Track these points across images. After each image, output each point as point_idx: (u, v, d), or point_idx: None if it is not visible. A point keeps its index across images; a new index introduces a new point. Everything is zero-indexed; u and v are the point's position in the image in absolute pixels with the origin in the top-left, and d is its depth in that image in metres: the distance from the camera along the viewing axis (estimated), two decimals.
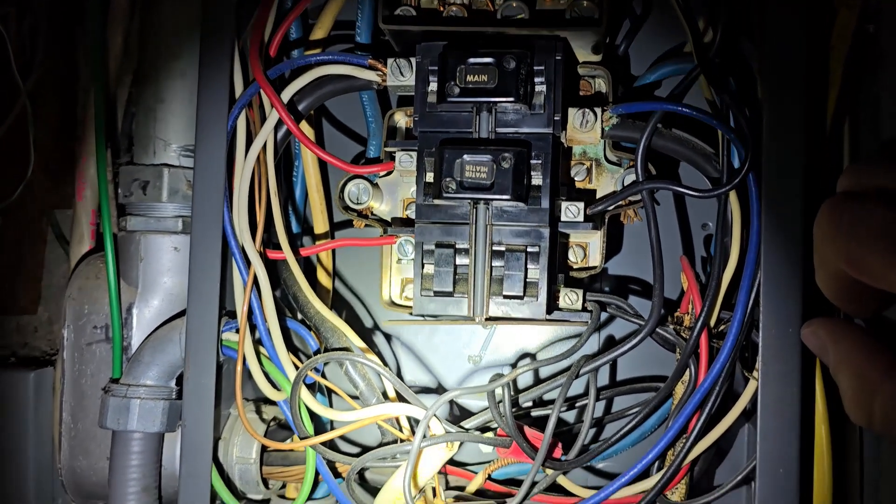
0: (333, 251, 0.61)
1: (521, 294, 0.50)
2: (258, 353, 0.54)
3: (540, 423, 0.51)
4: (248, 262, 0.53)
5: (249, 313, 0.53)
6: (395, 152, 0.54)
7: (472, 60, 0.49)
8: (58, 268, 0.73)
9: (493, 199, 0.49)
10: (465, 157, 0.49)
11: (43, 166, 0.70)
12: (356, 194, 0.56)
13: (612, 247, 0.58)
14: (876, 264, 0.31)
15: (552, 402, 0.54)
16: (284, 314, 0.56)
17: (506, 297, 0.50)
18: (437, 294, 0.51)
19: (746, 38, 0.52)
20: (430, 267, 0.51)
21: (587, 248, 0.55)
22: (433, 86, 0.51)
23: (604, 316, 0.54)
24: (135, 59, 0.65)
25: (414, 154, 0.53)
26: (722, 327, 0.51)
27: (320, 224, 0.60)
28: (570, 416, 0.60)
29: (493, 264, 0.50)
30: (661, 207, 0.59)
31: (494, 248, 0.50)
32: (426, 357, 0.62)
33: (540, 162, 0.50)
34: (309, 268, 0.62)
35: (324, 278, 0.61)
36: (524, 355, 0.61)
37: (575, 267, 0.55)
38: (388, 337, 0.62)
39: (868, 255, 0.32)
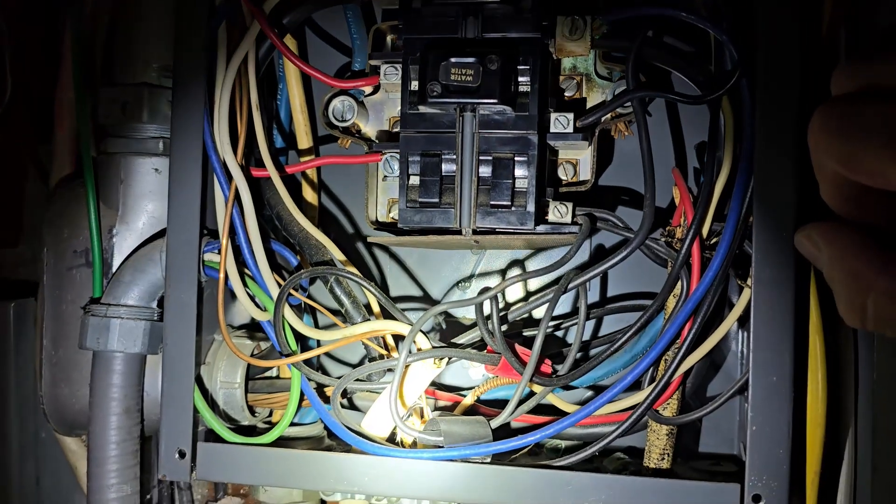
0: (319, 169, 0.60)
1: (510, 203, 0.48)
2: (242, 274, 0.53)
3: (530, 344, 0.50)
4: (229, 178, 0.52)
5: (232, 232, 0.52)
6: (380, 65, 0.53)
7: None
8: (40, 205, 0.72)
9: (479, 103, 0.48)
10: (450, 59, 0.47)
11: (23, 101, 0.68)
12: (341, 111, 0.54)
13: (603, 162, 0.57)
14: (871, 161, 0.30)
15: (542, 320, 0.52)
16: (269, 236, 0.55)
17: (493, 206, 0.49)
18: (422, 205, 0.49)
19: None
20: (415, 178, 0.50)
21: (577, 165, 0.54)
22: None
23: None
24: None
25: (399, 67, 0.52)
26: (714, 239, 0.50)
27: (305, 142, 0.59)
28: (561, 338, 0.59)
29: (480, 174, 0.49)
30: (653, 121, 0.57)
31: (481, 157, 0.49)
32: (415, 276, 0.61)
33: (528, 67, 0.48)
34: (294, 187, 0.60)
35: (309, 196, 0.59)
36: (514, 263, 0.59)
37: (565, 183, 0.54)
38: (375, 258, 0.61)
39: (862, 153, 0.31)
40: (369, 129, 0.55)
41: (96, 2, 0.62)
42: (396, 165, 0.53)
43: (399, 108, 0.54)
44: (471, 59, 0.47)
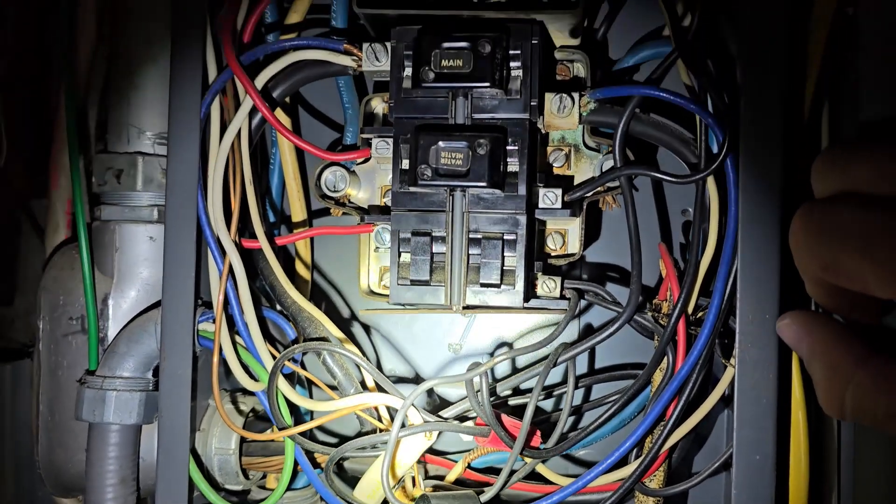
0: (312, 239, 0.60)
1: (499, 282, 0.49)
2: (235, 344, 0.54)
3: (519, 412, 0.51)
4: (223, 252, 0.53)
5: (225, 303, 0.53)
6: (371, 139, 0.54)
7: (446, 45, 0.48)
8: (34, 258, 0.72)
9: (469, 187, 0.48)
10: (440, 143, 0.48)
11: (17, 155, 0.69)
12: (333, 182, 0.55)
13: (591, 233, 0.58)
14: (849, 267, 0.31)
15: (531, 391, 0.53)
16: (261, 303, 0.56)
17: (483, 285, 0.49)
18: (413, 283, 0.50)
19: (725, 20, 0.51)
20: (406, 255, 0.50)
21: (566, 235, 0.55)
22: (409, 71, 0.50)
23: (583, 304, 0.53)
24: (108, 44, 0.64)
25: (391, 141, 0.53)
26: (700, 314, 0.51)
27: (298, 212, 0.60)
28: (548, 405, 0.59)
29: (469, 252, 0.50)
30: (639, 193, 0.58)
31: (471, 235, 0.50)
32: (405, 346, 0.62)
33: (517, 148, 0.49)
34: (287, 257, 0.61)
35: (302, 268, 0.60)
36: (503, 343, 0.60)
37: (553, 254, 0.54)
38: (366, 326, 0.62)
39: (840, 258, 0.32)
40: (361, 197, 0.56)
41: (91, 67, 0.63)
42: (388, 236, 0.54)
43: (390, 175, 0.55)
44: (461, 144, 0.48)
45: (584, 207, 0.54)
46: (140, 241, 0.58)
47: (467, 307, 0.50)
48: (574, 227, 0.54)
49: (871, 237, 0.31)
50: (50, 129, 0.70)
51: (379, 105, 0.56)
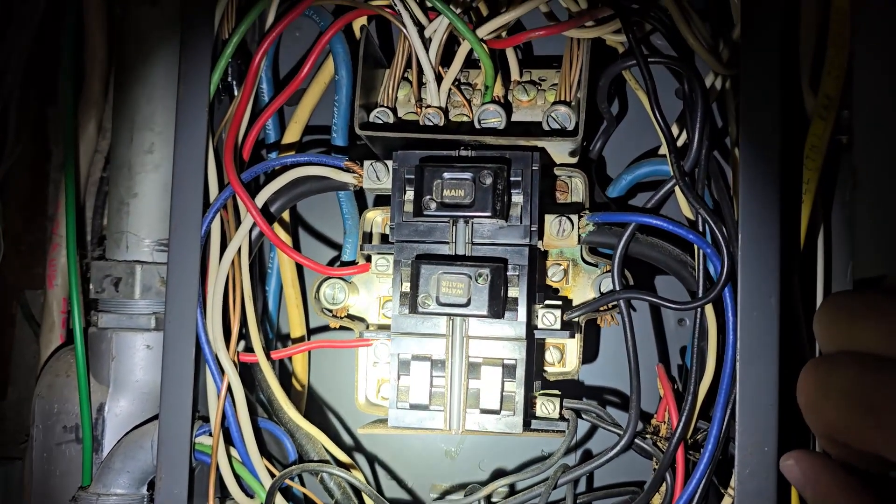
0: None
1: (498, 408, 0.49)
2: (230, 458, 0.54)
3: None
4: (221, 370, 0.53)
5: (223, 420, 0.53)
6: (371, 254, 0.54)
7: (448, 175, 0.49)
8: (27, 348, 0.72)
9: (469, 316, 0.49)
10: (440, 273, 0.48)
11: (13, 249, 0.69)
12: (331, 295, 0.55)
13: (589, 348, 0.58)
14: (859, 430, 0.32)
15: None
16: (257, 413, 0.55)
17: (483, 411, 0.49)
18: (413, 407, 0.50)
19: (720, 147, 0.52)
20: (406, 378, 0.50)
21: (564, 349, 0.55)
22: (409, 194, 0.50)
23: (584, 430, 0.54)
24: (108, 142, 0.65)
25: (390, 258, 0.53)
26: (699, 436, 0.51)
27: (296, 320, 0.60)
28: None
29: (469, 377, 0.50)
30: (639, 302, 0.59)
31: (471, 360, 0.50)
32: (402, 452, 0.61)
33: (516, 274, 0.49)
34: (283, 366, 0.61)
35: (298, 378, 0.60)
36: (501, 451, 0.60)
37: (551, 371, 0.55)
38: (361, 444, 0.62)
39: (849, 421, 0.32)
40: (360, 305, 0.56)
41: (89, 172, 0.64)
42: (386, 354, 0.54)
43: (389, 286, 0.55)
44: (461, 275, 0.48)
45: (583, 325, 0.54)
46: (137, 350, 0.58)
47: (466, 431, 0.50)
48: (572, 344, 0.54)
49: (881, 402, 0.31)
50: (43, 221, 0.70)
51: (378, 217, 0.56)
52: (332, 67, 0.57)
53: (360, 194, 0.59)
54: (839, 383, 0.32)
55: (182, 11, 0.52)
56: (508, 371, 0.49)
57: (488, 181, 0.48)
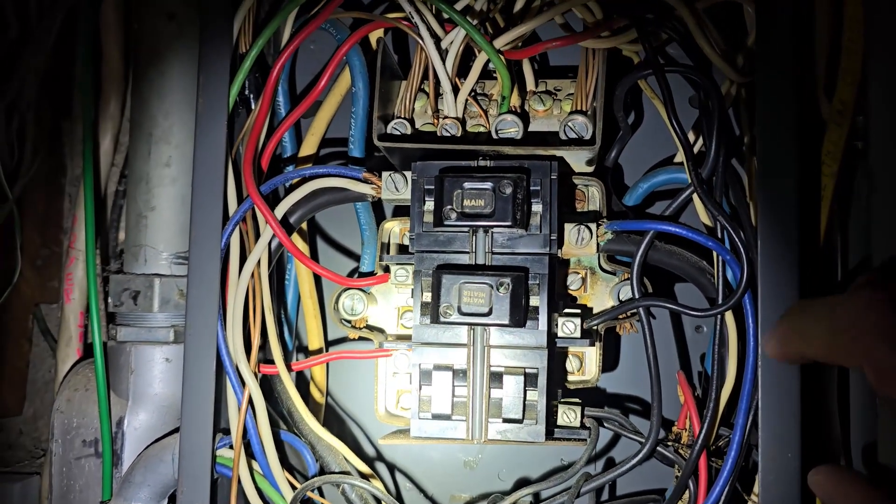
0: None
1: (521, 418, 0.49)
2: (252, 471, 0.54)
3: None
4: (242, 382, 0.53)
5: (244, 432, 0.53)
6: (390, 265, 0.54)
7: (468, 185, 0.49)
8: (43, 362, 0.72)
9: (491, 324, 0.49)
10: (462, 282, 0.48)
11: (29, 263, 0.69)
12: (350, 306, 0.55)
13: (609, 356, 0.58)
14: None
15: None
16: (278, 426, 0.55)
17: (505, 420, 0.49)
18: (435, 417, 0.50)
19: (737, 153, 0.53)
20: (427, 388, 0.50)
21: (583, 358, 0.55)
22: (429, 205, 0.50)
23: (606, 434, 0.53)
24: (123, 156, 0.65)
25: (409, 268, 0.53)
26: (721, 443, 0.51)
27: (314, 331, 0.60)
28: None
29: (491, 386, 0.50)
30: (657, 310, 0.59)
31: (492, 369, 0.50)
32: (421, 462, 0.61)
33: (537, 283, 0.50)
34: (302, 377, 0.61)
35: (316, 390, 0.60)
36: (520, 461, 0.60)
37: (571, 379, 0.55)
38: (382, 456, 0.62)
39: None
40: (379, 316, 0.56)
41: (106, 186, 0.64)
42: (406, 364, 0.54)
43: (407, 296, 0.55)
44: (483, 284, 0.48)
45: (602, 333, 0.54)
46: (156, 363, 0.58)
47: (489, 441, 0.50)
48: (592, 352, 0.54)
49: None
50: (59, 235, 0.71)
51: (397, 228, 0.56)
52: (348, 79, 0.58)
53: (377, 205, 0.59)
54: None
55: (201, 26, 0.53)
56: (530, 380, 0.50)
57: (508, 191, 0.48)
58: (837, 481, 0.37)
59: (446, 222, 0.49)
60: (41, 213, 0.70)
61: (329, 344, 0.62)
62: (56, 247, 0.71)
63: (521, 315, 0.48)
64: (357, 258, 0.60)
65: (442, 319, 0.49)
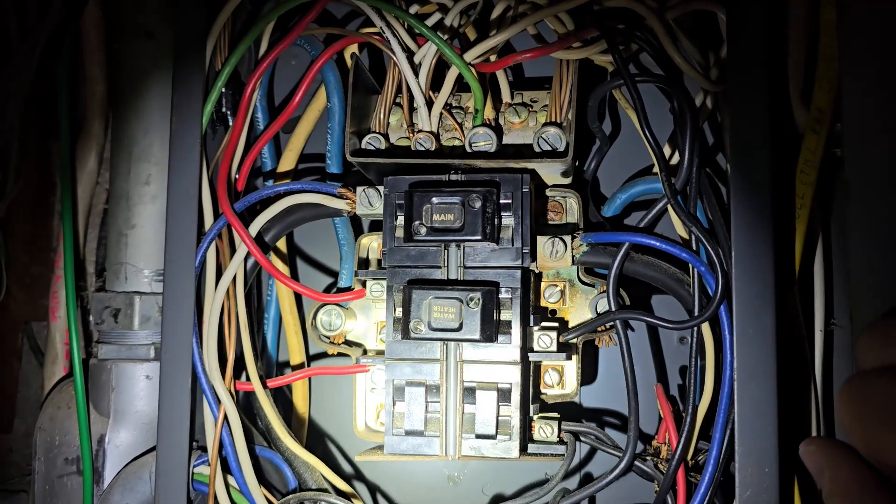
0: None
1: (494, 433, 0.49)
2: (228, 487, 0.53)
3: None
4: (218, 401, 0.53)
5: (220, 449, 0.53)
6: (366, 280, 0.54)
7: (437, 200, 0.49)
8: (34, 380, 0.72)
9: (461, 340, 0.48)
10: (431, 297, 0.48)
11: (18, 281, 0.69)
12: (328, 321, 0.55)
13: (588, 370, 0.58)
14: (889, 445, 0.31)
15: None
16: (255, 441, 0.55)
17: (479, 436, 0.49)
18: (408, 433, 0.50)
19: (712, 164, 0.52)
20: (401, 405, 0.50)
21: (563, 371, 0.54)
22: (401, 220, 0.50)
23: (583, 453, 0.53)
24: (107, 177, 0.65)
25: (384, 283, 0.53)
26: (700, 457, 0.50)
27: (295, 347, 0.60)
28: None
29: (464, 402, 0.49)
30: (636, 322, 0.58)
31: (466, 384, 0.49)
32: (404, 477, 0.61)
33: (509, 297, 0.49)
34: (281, 393, 0.61)
35: (299, 406, 0.60)
36: (504, 476, 0.60)
37: (550, 393, 0.54)
38: (361, 473, 0.61)
39: (880, 436, 0.32)
40: (358, 333, 0.56)
41: (92, 204, 0.64)
42: (383, 378, 0.54)
43: (384, 312, 0.55)
44: (452, 300, 0.48)
45: (580, 346, 0.53)
46: (137, 380, 0.58)
47: (463, 457, 0.50)
48: (571, 365, 0.54)
49: None
50: (48, 253, 0.71)
51: (374, 242, 0.56)
52: (325, 95, 0.58)
53: (356, 220, 0.59)
54: (872, 397, 0.32)
55: (174, 45, 0.53)
56: (503, 395, 0.49)
57: (477, 204, 0.48)
58: (830, 453, 0.36)
59: (416, 237, 0.49)
60: (31, 231, 0.70)
61: (311, 359, 0.62)
62: (45, 265, 0.71)
63: (492, 330, 0.48)
64: (336, 274, 0.60)
65: (412, 335, 0.48)
